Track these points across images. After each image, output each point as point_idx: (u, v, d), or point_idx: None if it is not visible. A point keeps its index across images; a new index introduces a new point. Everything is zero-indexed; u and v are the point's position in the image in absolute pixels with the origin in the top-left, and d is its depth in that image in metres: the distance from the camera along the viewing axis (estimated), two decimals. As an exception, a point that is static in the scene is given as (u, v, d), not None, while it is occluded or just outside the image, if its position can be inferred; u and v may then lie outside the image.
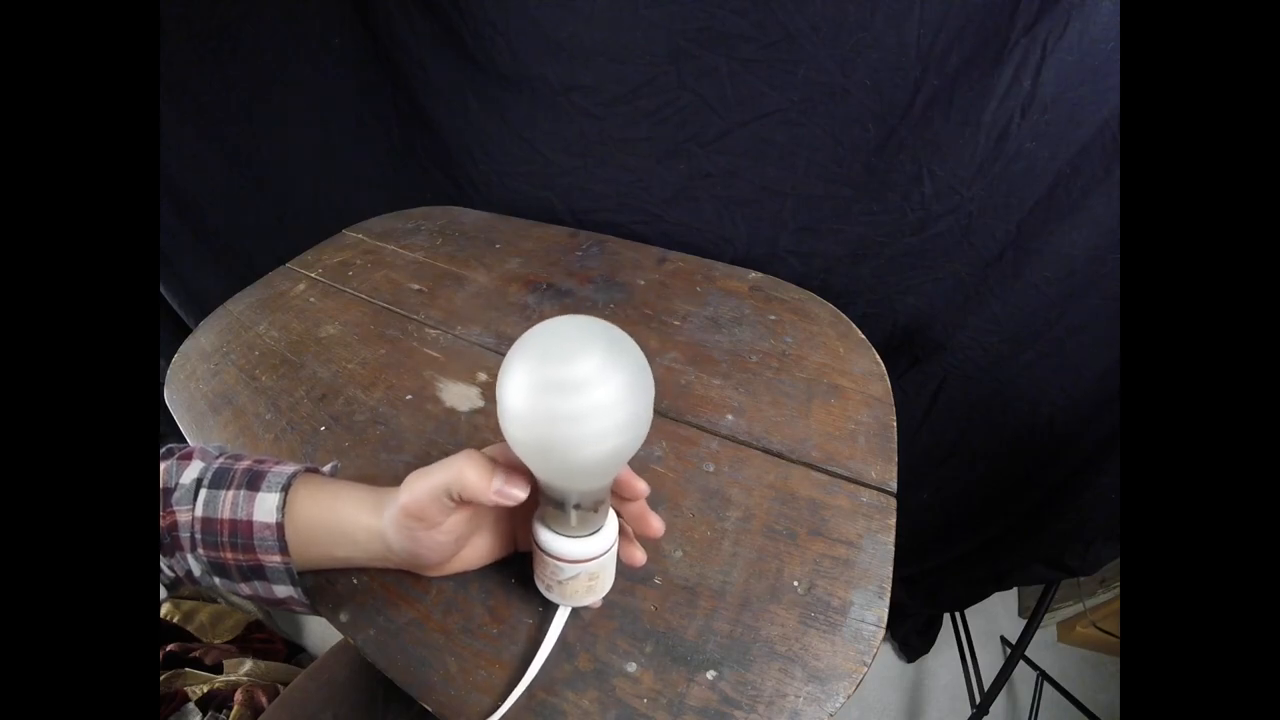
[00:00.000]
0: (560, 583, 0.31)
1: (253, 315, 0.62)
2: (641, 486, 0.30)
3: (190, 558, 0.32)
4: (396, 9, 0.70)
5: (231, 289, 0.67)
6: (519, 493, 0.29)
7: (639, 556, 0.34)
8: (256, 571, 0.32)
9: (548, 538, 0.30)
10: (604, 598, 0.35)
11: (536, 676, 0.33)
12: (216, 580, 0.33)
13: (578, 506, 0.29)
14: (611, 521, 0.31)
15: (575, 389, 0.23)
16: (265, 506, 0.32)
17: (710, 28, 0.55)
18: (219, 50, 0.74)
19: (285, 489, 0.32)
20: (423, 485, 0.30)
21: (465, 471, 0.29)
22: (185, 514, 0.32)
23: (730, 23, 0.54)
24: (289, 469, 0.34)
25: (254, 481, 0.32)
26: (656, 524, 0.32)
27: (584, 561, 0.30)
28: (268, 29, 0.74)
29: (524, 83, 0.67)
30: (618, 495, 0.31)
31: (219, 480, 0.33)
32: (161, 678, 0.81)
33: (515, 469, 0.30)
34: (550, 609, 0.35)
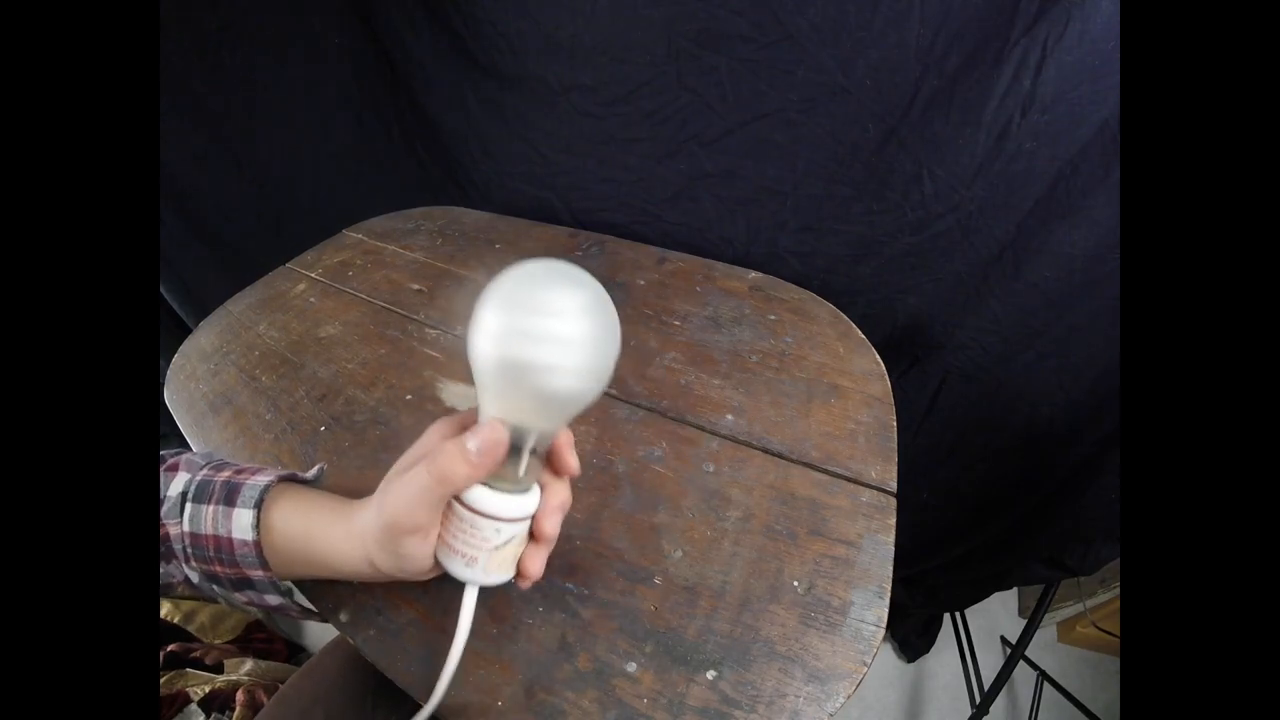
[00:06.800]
0: (495, 549, 0.30)
1: (253, 315, 0.62)
2: (573, 462, 0.30)
3: (186, 568, 0.33)
4: (396, 9, 0.69)
5: (231, 289, 0.67)
6: (499, 441, 0.27)
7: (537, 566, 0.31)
8: (246, 583, 0.33)
9: (485, 496, 0.29)
10: (603, 600, 0.35)
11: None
12: (214, 588, 0.33)
13: (534, 451, 0.29)
14: (535, 485, 0.31)
15: (555, 315, 0.26)
16: (241, 524, 0.31)
17: (710, 28, 0.55)
18: (219, 49, 0.74)
19: (258, 505, 0.32)
20: (407, 494, 0.28)
21: (451, 463, 0.27)
22: (175, 528, 0.32)
23: (730, 23, 0.54)
24: (263, 481, 0.33)
25: (230, 496, 0.32)
26: (572, 461, 0.31)
27: (520, 520, 0.30)
28: (268, 28, 0.74)
29: (524, 83, 0.67)
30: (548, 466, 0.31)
31: (201, 494, 0.32)
32: (163, 678, 0.81)
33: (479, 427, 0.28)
34: (552, 609, 0.35)
